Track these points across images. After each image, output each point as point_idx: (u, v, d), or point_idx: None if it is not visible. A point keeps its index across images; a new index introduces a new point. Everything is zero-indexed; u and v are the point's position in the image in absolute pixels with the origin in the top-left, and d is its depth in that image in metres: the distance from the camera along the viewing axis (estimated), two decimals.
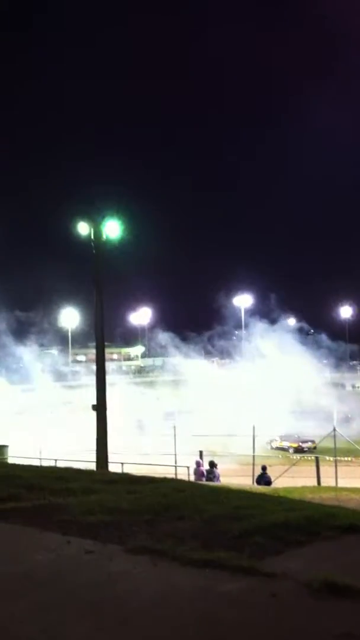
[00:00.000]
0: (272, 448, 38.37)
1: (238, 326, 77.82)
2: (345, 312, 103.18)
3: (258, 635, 3.67)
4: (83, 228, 21.91)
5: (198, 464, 22.65)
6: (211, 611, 4.02)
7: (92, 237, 21.65)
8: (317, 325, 71.49)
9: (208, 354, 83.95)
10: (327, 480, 21.54)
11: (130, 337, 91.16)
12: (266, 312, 67.93)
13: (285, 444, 39.47)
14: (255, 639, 3.63)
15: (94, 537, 5.80)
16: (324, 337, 70.14)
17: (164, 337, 74.79)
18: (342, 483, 21.05)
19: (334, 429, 24.64)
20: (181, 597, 4.28)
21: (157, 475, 11.51)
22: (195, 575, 4.66)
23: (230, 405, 44.07)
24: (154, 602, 4.23)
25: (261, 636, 3.67)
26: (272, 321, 66.68)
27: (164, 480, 9.39)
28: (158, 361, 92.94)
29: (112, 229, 21.86)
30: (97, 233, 21.60)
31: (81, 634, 3.80)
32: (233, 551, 5.09)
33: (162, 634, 3.73)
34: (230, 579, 4.52)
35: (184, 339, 73.59)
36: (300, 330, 68.27)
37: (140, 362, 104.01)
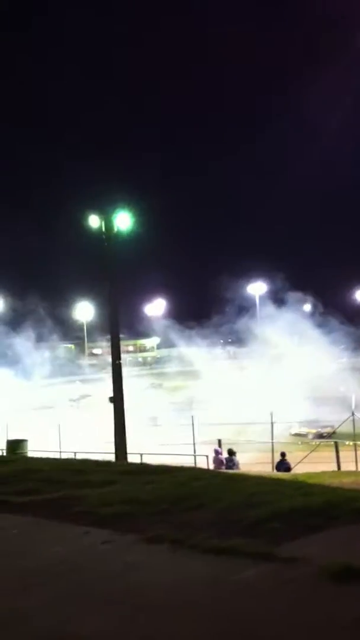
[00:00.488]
0: (291, 434, 38.31)
1: (253, 314, 77.58)
2: None
3: (276, 621, 3.65)
4: (94, 221, 21.94)
5: (217, 453, 22.68)
6: (228, 598, 4.02)
7: (104, 229, 21.67)
8: (332, 310, 70.95)
9: (224, 343, 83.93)
10: (347, 465, 21.45)
11: (145, 328, 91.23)
12: (280, 299, 67.59)
13: (304, 430, 39.37)
14: (273, 624, 3.61)
15: (111, 528, 5.82)
16: (340, 322, 69.64)
17: (179, 327, 74.83)
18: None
19: (353, 414, 24.54)
20: (198, 585, 4.28)
21: (176, 465, 11.53)
22: (212, 563, 4.66)
23: (247, 393, 44.07)
24: (171, 590, 4.23)
25: (279, 621, 3.65)
26: (287, 308, 66.37)
27: (182, 470, 9.39)
28: (174, 352, 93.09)
29: (123, 221, 21.86)
30: (108, 225, 21.61)
31: (99, 623, 3.80)
32: (250, 538, 5.07)
33: (180, 623, 3.73)
34: (247, 565, 4.50)
35: (199, 328, 73.51)
36: (313, 315, 67.81)
37: (155, 353, 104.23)
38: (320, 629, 3.52)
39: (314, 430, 38.54)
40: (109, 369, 24.65)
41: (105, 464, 10.87)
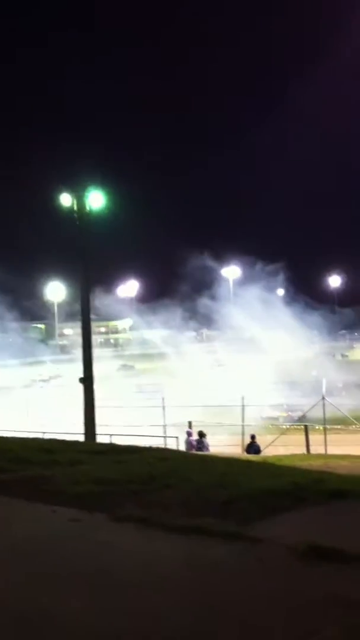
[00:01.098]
0: (262, 418, 38.59)
1: (227, 297, 77.76)
2: (334, 281, 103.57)
3: (244, 599, 3.65)
4: (66, 199, 21.62)
5: (189, 434, 22.73)
6: (197, 576, 4.00)
7: (75, 208, 21.37)
8: (306, 296, 71.51)
9: (197, 326, 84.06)
10: (317, 449, 21.67)
11: (117, 310, 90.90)
12: (254, 284, 67.79)
13: (275, 414, 39.69)
14: (241, 603, 3.60)
15: (80, 507, 5.76)
16: (313, 308, 70.21)
17: (152, 309, 74.70)
18: (331, 450, 21.20)
19: (323, 398, 24.77)
20: (167, 564, 4.26)
21: (145, 446, 11.51)
22: (181, 542, 4.64)
23: (219, 376, 44.24)
24: (141, 569, 4.20)
25: (247, 599, 3.65)
26: (261, 292, 66.63)
27: (151, 450, 9.38)
28: (146, 334, 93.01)
29: (96, 200, 21.59)
30: (81, 204, 21.33)
31: (68, 602, 3.75)
32: (219, 517, 5.07)
33: (148, 600, 3.70)
34: (216, 544, 4.50)
35: (172, 311, 73.46)
36: (287, 300, 68.19)
37: (128, 335, 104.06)
38: (287, 606, 3.52)
39: (284, 414, 38.87)
40: (80, 350, 24.49)
41: (74, 443, 10.81)
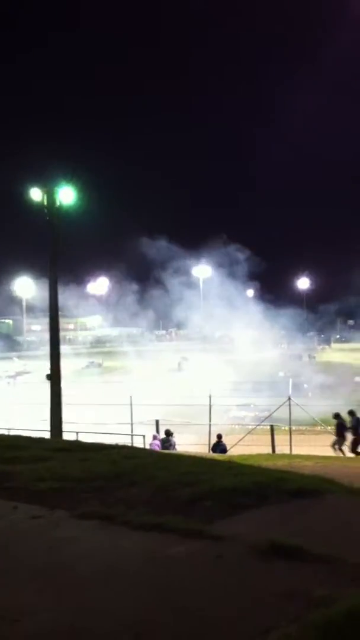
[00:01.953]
0: (228, 417, 38.75)
1: (197, 297, 77.89)
2: (303, 283, 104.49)
3: (202, 594, 3.68)
4: (36, 194, 21.41)
5: (154, 438, 22.64)
6: (157, 573, 4.02)
7: (45, 203, 21.18)
8: (276, 296, 71.97)
9: (167, 325, 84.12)
10: (283, 449, 21.89)
11: (87, 307, 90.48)
12: (224, 283, 67.99)
13: (242, 413, 39.89)
14: (198, 598, 3.63)
15: (42, 504, 5.74)
16: (282, 309, 70.74)
17: (121, 307, 74.50)
18: (296, 451, 21.42)
19: (289, 398, 24.98)
20: (128, 561, 4.27)
21: (111, 444, 11.47)
22: (143, 539, 4.65)
23: (187, 375, 44.30)
24: (101, 565, 4.21)
25: (205, 595, 3.67)
26: (231, 292, 66.87)
27: (116, 448, 9.36)
28: (115, 331, 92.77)
29: (67, 195, 21.43)
30: (51, 199, 21.15)
31: (27, 598, 3.74)
32: (182, 515, 5.09)
33: (108, 597, 3.70)
34: (178, 542, 4.51)
35: (142, 309, 73.37)
36: (256, 301, 68.58)
37: (97, 332, 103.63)
38: (245, 602, 3.55)
39: (251, 414, 39.10)
40: (48, 346, 24.32)
41: (39, 440, 10.73)
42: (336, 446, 21.84)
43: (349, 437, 21.92)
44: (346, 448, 21.98)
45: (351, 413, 22.41)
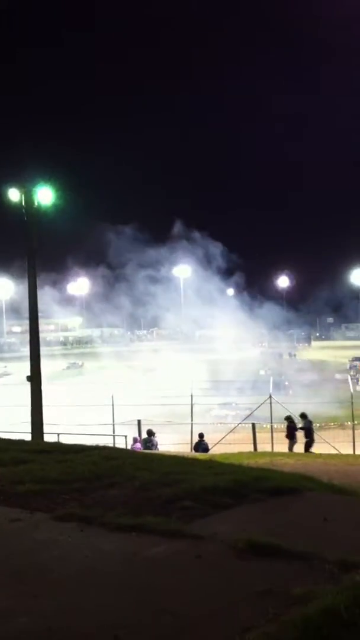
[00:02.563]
0: (210, 416, 38.80)
1: (177, 297, 77.83)
2: (283, 281, 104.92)
3: (183, 593, 3.68)
4: (14, 194, 21.24)
5: (135, 440, 22.58)
6: (136, 574, 4.01)
7: (23, 203, 21.01)
8: (256, 295, 72.13)
9: (147, 324, 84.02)
10: (264, 447, 21.96)
11: (67, 307, 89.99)
12: (206, 283, 68.01)
13: (224, 412, 39.96)
14: (180, 597, 3.64)
15: (21, 506, 5.72)
16: (262, 307, 70.94)
17: (102, 307, 74.25)
18: (278, 448, 21.52)
19: (270, 397, 25.07)
20: (107, 562, 4.26)
21: (92, 445, 11.43)
22: (122, 540, 4.65)
23: (169, 375, 44.24)
24: (80, 567, 4.19)
25: (186, 594, 3.68)
26: (211, 291, 66.90)
27: (96, 449, 9.33)
28: (96, 332, 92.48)
29: (45, 195, 21.28)
30: (29, 200, 20.98)
31: (5, 602, 3.72)
32: (161, 516, 5.09)
33: (87, 598, 3.69)
34: (157, 542, 4.51)
35: (123, 309, 73.17)
36: (238, 300, 68.70)
37: (78, 333, 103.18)
38: (225, 603, 3.56)
39: (233, 413, 39.19)
40: (28, 348, 24.15)
41: (19, 442, 10.66)
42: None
43: (301, 438, 22.11)
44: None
45: (303, 416, 22.62)
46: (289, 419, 22.84)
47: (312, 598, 3.40)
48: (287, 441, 22.41)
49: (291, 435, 22.33)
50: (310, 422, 22.45)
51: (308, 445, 21.80)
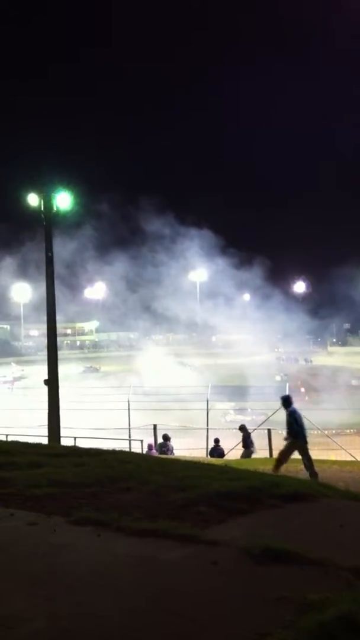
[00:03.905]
0: (226, 421, 38.77)
1: (194, 301, 77.85)
2: (300, 287, 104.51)
3: (197, 601, 3.68)
4: (33, 199, 21.39)
5: (150, 447, 22.58)
6: (152, 579, 4.03)
7: (42, 208, 21.15)
8: (273, 300, 71.90)
9: (163, 329, 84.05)
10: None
11: (84, 311, 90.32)
12: (222, 287, 67.94)
13: (239, 417, 39.89)
14: (194, 605, 3.64)
15: (38, 510, 5.74)
16: (278, 312, 70.69)
17: (119, 312, 74.44)
18: (293, 455, 21.38)
19: None
20: (123, 567, 4.28)
21: (108, 449, 11.47)
22: (138, 545, 4.66)
23: (184, 379, 44.26)
24: (95, 571, 4.22)
25: (200, 601, 3.68)
26: (228, 296, 66.85)
27: (112, 453, 9.36)
28: (113, 336, 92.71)
29: (63, 200, 21.41)
30: (47, 204, 21.12)
31: (23, 605, 3.75)
32: (177, 521, 5.10)
33: (103, 602, 3.72)
34: (173, 547, 4.53)
35: (140, 314, 73.30)
36: (253, 306, 68.54)
37: (94, 337, 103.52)
38: (240, 608, 3.57)
39: (248, 418, 39.10)
40: (46, 351, 24.29)
41: (36, 446, 10.71)
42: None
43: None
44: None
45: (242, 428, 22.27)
46: (242, 428, 22.47)
47: (327, 605, 3.41)
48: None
49: (246, 444, 21.99)
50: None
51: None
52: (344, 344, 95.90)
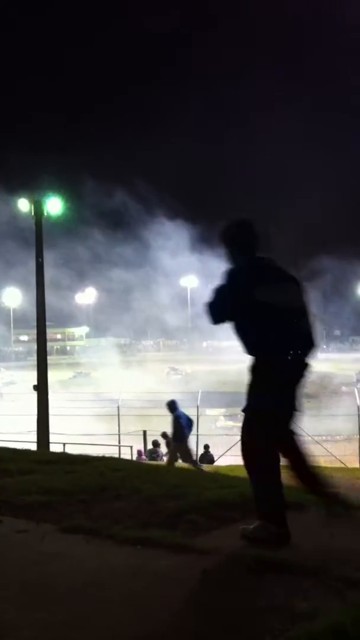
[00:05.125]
0: (216, 427, 38.78)
1: (184, 306, 77.96)
2: None
3: (186, 612, 3.68)
4: (23, 204, 21.41)
5: (139, 454, 22.57)
6: (141, 588, 4.01)
7: (33, 213, 21.17)
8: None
9: (154, 335, 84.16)
10: None
11: (74, 317, 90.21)
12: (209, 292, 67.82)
13: (229, 424, 39.93)
14: (182, 614, 3.64)
15: (27, 518, 5.72)
16: None
17: (110, 317, 74.46)
18: (283, 461, 21.42)
19: None
20: (113, 576, 4.26)
21: (98, 455, 11.45)
22: (128, 554, 4.65)
23: (174, 385, 44.29)
24: (86, 580, 4.20)
25: (189, 612, 3.67)
26: None
27: (102, 460, 9.34)
28: (103, 341, 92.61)
29: (54, 205, 21.43)
30: (38, 209, 21.13)
31: (10, 615, 3.73)
32: (167, 529, 5.09)
33: (92, 613, 3.70)
34: (163, 556, 4.51)
35: (130, 319, 73.34)
36: None
37: (84, 343, 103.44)
38: (230, 619, 3.56)
39: (239, 424, 39.04)
40: (36, 356, 24.23)
41: (25, 452, 10.67)
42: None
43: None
44: None
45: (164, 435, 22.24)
46: (164, 435, 22.42)
47: (317, 615, 3.40)
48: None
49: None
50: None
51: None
52: (334, 350, 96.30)
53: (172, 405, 16.95)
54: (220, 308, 4.89)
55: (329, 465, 20.54)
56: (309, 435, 25.39)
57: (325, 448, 23.95)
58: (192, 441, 25.03)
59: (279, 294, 4.63)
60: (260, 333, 4.74)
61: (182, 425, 16.63)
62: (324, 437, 27.39)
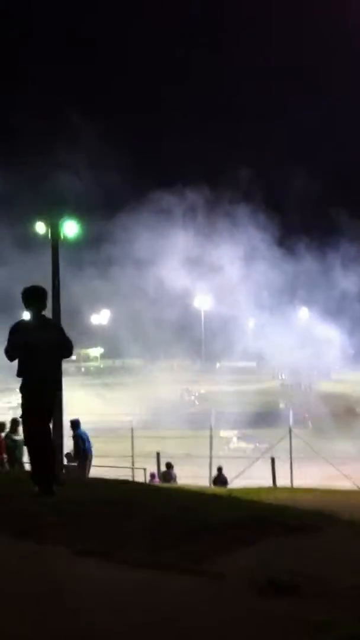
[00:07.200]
0: (230, 449, 38.60)
1: (198, 328, 77.93)
2: (303, 314, 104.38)
3: (199, 634, 3.66)
4: (40, 227, 21.64)
5: (152, 476, 22.50)
6: (155, 610, 4.01)
7: (49, 236, 21.40)
8: (274, 327, 71.71)
9: (169, 356, 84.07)
10: (283, 481, 21.79)
11: (89, 337, 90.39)
12: (224, 315, 67.93)
13: (243, 445, 39.73)
14: (193, 634, 3.62)
15: (41, 540, 5.72)
16: (281, 339, 70.56)
17: (124, 338, 74.50)
18: (297, 483, 21.32)
19: (290, 430, 24.93)
20: (125, 598, 4.25)
21: (112, 478, 11.45)
22: (140, 576, 4.64)
23: (188, 407, 44.20)
24: (98, 602, 4.19)
25: (203, 635, 3.66)
26: (231, 324, 66.81)
27: (116, 482, 9.35)
28: (118, 362, 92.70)
29: (71, 228, 21.65)
30: (55, 232, 21.35)
31: (29, 627, 3.74)
32: (180, 551, 5.09)
33: (103, 634, 3.70)
34: (175, 579, 4.51)
35: (146, 340, 73.31)
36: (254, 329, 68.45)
37: (99, 363, 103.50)
38: (245, 637, 3.55)
39: (252, 445, 38.92)
40: None
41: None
42: None
43: None
44: None
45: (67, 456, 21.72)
46: (68, 455, 21.86)
47: (334, 626, 3.40)
48: (306, 476, 22.22)
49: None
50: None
51: None
52: (348, 370, 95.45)
53: (74, 424, 18.30)
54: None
55: (343, 487, 20.32)
56: (322, 457, 25.22)
57: (338, 470, 23.76)
58: (205, 463, 24.97)
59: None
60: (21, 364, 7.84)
61: (81, 445, 17.83)
62: (338, 459, 27.13)
